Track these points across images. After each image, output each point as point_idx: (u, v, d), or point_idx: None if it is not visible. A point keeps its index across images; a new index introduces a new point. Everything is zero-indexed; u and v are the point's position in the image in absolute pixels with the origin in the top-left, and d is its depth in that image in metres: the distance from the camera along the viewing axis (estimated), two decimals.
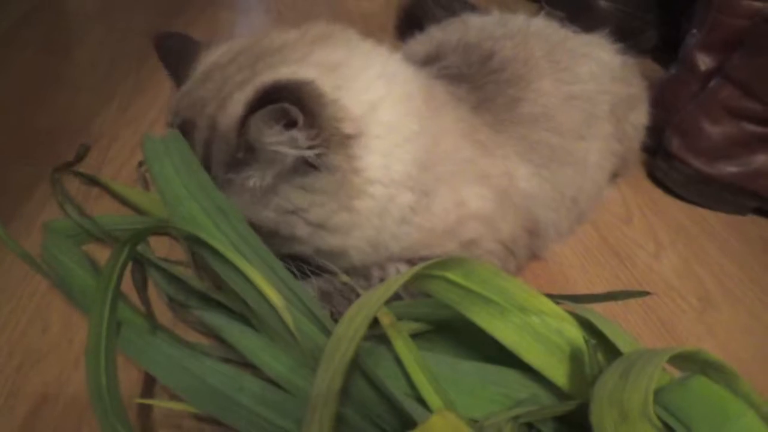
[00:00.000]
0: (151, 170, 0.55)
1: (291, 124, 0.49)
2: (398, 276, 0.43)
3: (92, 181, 0.80)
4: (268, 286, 0.48)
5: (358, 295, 0.58)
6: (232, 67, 0.55)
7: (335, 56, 0.56)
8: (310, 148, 0.50)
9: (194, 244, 0.51)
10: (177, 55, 0.61)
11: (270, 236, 0.54)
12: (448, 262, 0.44)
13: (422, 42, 0.89)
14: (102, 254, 0.67)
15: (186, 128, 0.54)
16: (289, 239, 0.55)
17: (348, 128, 0.53)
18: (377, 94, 0.56)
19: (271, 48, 0.57)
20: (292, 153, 0.51)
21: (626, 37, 0.93)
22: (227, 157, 0.52)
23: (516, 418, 0.42)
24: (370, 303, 0.40)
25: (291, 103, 0.47)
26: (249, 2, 1.62)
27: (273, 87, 0.49)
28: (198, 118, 0.54)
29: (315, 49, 0.56)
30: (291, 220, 0.54)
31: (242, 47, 0.59)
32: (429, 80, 0.66)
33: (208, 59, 0.59)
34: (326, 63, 0.55)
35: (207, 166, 0.53)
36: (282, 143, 0.50)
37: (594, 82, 0.78)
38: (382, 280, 0.61)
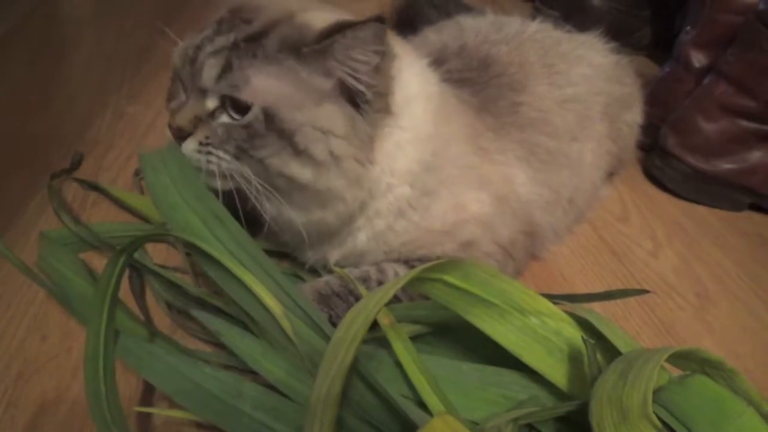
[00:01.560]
0: (147, 181, 0.55)
1: (375, 53, 0.52)
2: (397, 279, 0.43)
3: (90, 187, 0.80)
4: (266, 292, 0.48)
5: (356, 298, 0.58)
6: None
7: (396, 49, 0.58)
8: (370, 87, 0.53)
9: (192, 252, 0.51)
10: None
11: (269, 138, 0.53)
12: (445, 265, 0.44)
13: (419, 44, 0.89)
14: (99, 262, 0.66)
15: (242, 7, 0.56)
16: (286, 149, 0.53)
17: (393, 104, 0.57)
18: (414, 90, 0.60)
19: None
20: (362, 78, 0.53)
21: (620, 35, 0.93)
22: (294, 43, 0.52)
23: (516, 419, 0.42)
24: (368, 307, 0.40)
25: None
26: None
27: (379, 17, 0.50)
28: (271, 6, 0.56)
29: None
30: (315, 135, 0.53)
31: None
32: (441, 84, 0.67)
33: None
34: None
35: (264, 34, 0.53)
36: (360, 63, 0.52)
37: (586, 84, 0.79)
38: (380, 282, 0.61)
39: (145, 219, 0.75)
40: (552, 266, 0.78)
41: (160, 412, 0.51)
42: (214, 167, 0.55)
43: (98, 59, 1.21)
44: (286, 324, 0.47)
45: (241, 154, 0.54)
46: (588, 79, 0.79)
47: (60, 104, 1.02)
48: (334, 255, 0.64)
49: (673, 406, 0.38)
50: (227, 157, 0.54)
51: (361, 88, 0.53)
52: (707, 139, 0.93)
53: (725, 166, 0.94)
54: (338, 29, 0.51)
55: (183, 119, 0.55)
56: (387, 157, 0.58)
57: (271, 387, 0.49)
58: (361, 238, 0.62)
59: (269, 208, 0.57)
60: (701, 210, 0.95)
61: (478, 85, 0.72)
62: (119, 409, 0.45)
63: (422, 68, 0.64)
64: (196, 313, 0.55)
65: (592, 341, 0.43)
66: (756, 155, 0.93)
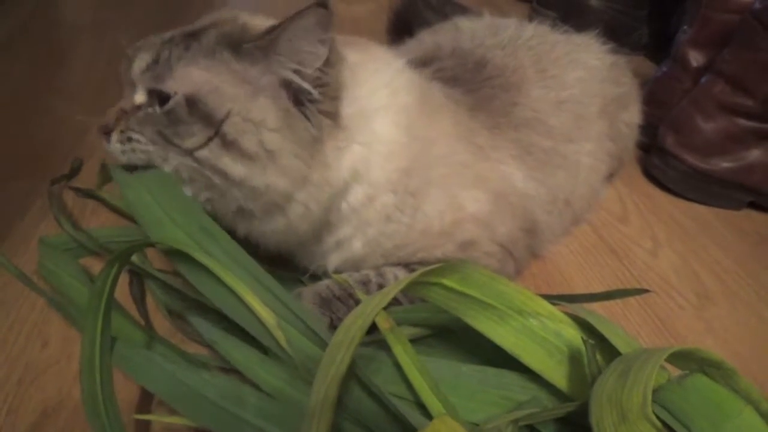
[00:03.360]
0: (127, 200, 0.54)
1: (321, 42, 0.52)
2: (395, 283, 0.43)
3: (87, 195, 0.80)
4: (260, 304, 0.48)
5: (357, 302, 0.58)
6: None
7: (354, 57, 0.58)
8: (316, 85, 0.53)
9: (182, 270, 0.51)
10: None
11: (193, 125, 0.52)
12: (444, 269, 0.44)
13: (415, 46, 0.90)
14: (99, 268, 0.66)
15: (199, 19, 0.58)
16: (214, 141, 0.52)
17: (343, 116, 0.56)
18: (378, 103, 0.58)
19: None
20: (307, 72, 0.52)
21: (618, 35, 0.93)
22: (234, 40, 0.53)
23: (516, 420, 0.42)
24: (366, 311, 0.40)
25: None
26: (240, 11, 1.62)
27: (323, 3, 0.49)
28: (226, 14, 0.58)
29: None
30: (245, 128, 0.52)
31: None
32: (426, 83, 0.67)
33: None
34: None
35: (202, 31, 0.54)
36: (304, 55, 0.52)
37: (582, 86, 0.79)
38: (380, 286, 0.61)
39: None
40: (551, 266, 0.78)
41: (159, 419, 0.51)
42: (137, 156, 0.55)
43: (98, 64, 1.21)
44: (279, 335, 0.47)
45: (161, 140, 0.54)
46: (583, 82, 0.80)
47: (60, 110, 1.02)
48: (333, 261, 0.64)
49: (673, 406, 0.38)
50: (144, 139, 0.54)
51: (305, 85, 0.53)
52: (706, 138, 0.93)
53: (724, 164, 0.94)
54: (280, 23, 0.51)
55: (110, 115, 0.55)
56: (351, 170, 0.56)
57: (271, 393, 0.49)
58: (356, 245, 0.62)
59: (240, 224, 0.57)
60: (700, 209, 0.95)
61: (472, 85, 0.72)
62: (117, 417, 0.45)
63: (393, 75, 0.61)
64: (194, 320, 0.54)
65: (592, 342, 0.43)
66: (754, 154, 0.93)
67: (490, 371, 0.48)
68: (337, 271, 0.63)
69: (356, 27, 1.48)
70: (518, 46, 0.79)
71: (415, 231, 0.62)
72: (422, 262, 0.63)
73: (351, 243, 0.62)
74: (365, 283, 0.62)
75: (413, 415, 0.42)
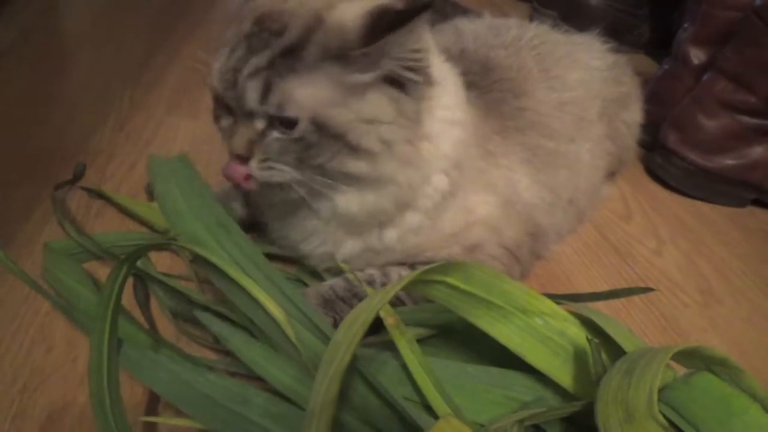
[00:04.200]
0: (155, 189, 0.56)
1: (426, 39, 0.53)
2: (399, 281, 0.43)
3: (95, 194, 0.80)
4: (270, 299, 0.48)
5: (360, 301, 0.58)
6: None
7: None
8: (418, 70, 0.54)
9: (197, 260, 0.51)
10: None
11: (324, 144, 0.53)
12: (447, 267, 0.44)
13: None
14: (104, 272, 0.67)
15: (267, 17, 0.54)
16: (341, 151, 0.54)
17: (432, 74, 0.57)
18: (445, 73, 0.61)
19: None
20: (412, 65, 0.53)
21: (619, 34, 0.93)
22: (337, 49, 0.51)
23: (522, 420, 0.41)
24: (368, 308, 0.40)
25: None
26: None
27: (427, 3, 0.50)
28: (297, 10, 0.54)
29: None
30: (365, 129, 0.54)
31: None
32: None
33: None
34: None
35: (300, 45, 0.52)
36: (412, 53, 0.52)
37: (583, 87, 0.80)
38: (384, 285, 0.61)
39: (149, 227, 0.75)
40: (555, 266, 0.78)
41: (165, 420, 0.51)
42: (278, 179, 0.56)
43: (98, 71, 1.21)
44: (289, 330, 0.47)
45: (300, 164, 0.55)
46: (585, 83, 0.80)
47: (61, 116, 1.02)
48: (348, 249, 0.63)
49: (679, 405, 0.38)
50: (288, 168, 0.55)
51: (409, 75, 0.54)
52: (708, 135, 0.93)
53: (727, 162, 0.94)
54: (388, 26, 0.50)
55: (238, 146, 0.55)
56: (435, 136, 0.59)
57: (276, 393, 0.49)
58: (390, 234, 0.62)
59: (324, 206, 0.59)
60: (704, 207, 0.95)
61: (481, 88, 0.72)
62: (124, 419, 0.45)
63: (449, 68, 0.64)
64: (202, 316, 0.55)
65: (597, 340, 0.43)
66: (757, 151, 0.93)
67: (495, 371, 0.48)
68: (345, 262, 0.63)
69: None
70: (521, 47, 0.80)
71: (435, 230, 0.63)
72: (427, 263, 0.63)
73: (384, 232, 0.62)
74: (370, 283, 0.62)
75: (419, 415, 0.42)
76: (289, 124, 0.53)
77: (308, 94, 0.52)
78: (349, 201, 0.58)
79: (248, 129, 0.54)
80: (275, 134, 0.54)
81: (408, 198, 0.60)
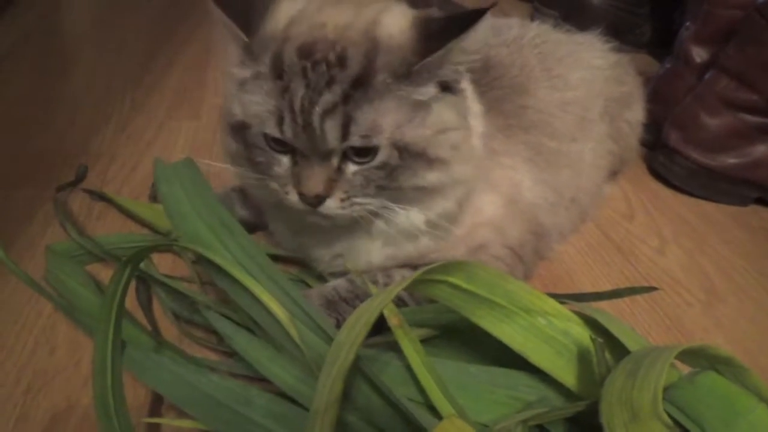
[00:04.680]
0: (160, 191, 0.56)
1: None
2: (401, 280, 0.43)
3: (98, 196, 0.80)
4: (273, 300, 0.48)
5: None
6: (344, 5, 0.55)
7: None
8: (462, 69, 0.53)
9: (200, 261, 0.51)
10: (240, 3, 0.55)
11: (405, 165, 0.52)
12: (450, 267, 0.44)
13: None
14: (106, 274, 0.67)
15: (313, 47, 0.51)
16: (421, 167, 0.53)
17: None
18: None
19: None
20: (461, 67, 0.53)
21: (620, 33, 0.93)
22: (401, 68, 0.50)
23: (526, 420, 0.41)
24: (371, 309, 0.40)
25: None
26: None
27: (474, 11, 0.49)
28: (344, 34, 0.52)
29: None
30: (440, 140, 0.53)
31: None
32: None
33: (296, 5, 0.56)
34: None
35: (367, 73, 0.50)
36: (469, 55, 0.52)
37: (585, 87, 0.79)
38: (387, 285, 0.61)
39: (151, 228, 0.75)
40: (558, 266, 0.78)
41: (168, 422, 0.51)
42: (359, 212, 0.54)
43: (100, 73, 1.22)
44: (292, 330, 0.47)
45: (381, 191, 0.54)
46: (587, 82, 0.80)
47: (63, 118, 1.02)
48: (375, 257, 0.62)
49: (684, 404, 0.38)
50: (369, 200, 0.54)
51: (458, 77, 0.54)
52: (710, 134, 0.93)
53: (729, 160, 0.93)
54: (442, 34, 0.49)
55: (316, 187, 0.52)
56: (473, 128, 0.58)
57: (279, 394, 0.49)
58: (425, 241, 0.61)
59: (380, 223, 0.58)
60: (707, 206, 0.95)
61: (482, 86, 0.72)
62: (128, 420, 0.45)
63: None
64: (207, 314, 0.55)
65: (600, 340, 0.43)
66: (760, 149, 0.92)
67: (498, 371, 0.48)
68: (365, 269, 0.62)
69: None
70: (523, 45, 0.80)
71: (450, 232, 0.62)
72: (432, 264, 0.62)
73: (425, 238, 0.61)
74: (373, 283, 0.62)
75: (423, 416, 0.42)
76: (366, 153, 0.52)
77: (388, 119, 0.51)
78: (416, 214, 0.57)
79: (325, 168, 0.52)
80: (353, 167, 0.52)
81: (467, 195, 0.60)
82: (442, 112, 0.53)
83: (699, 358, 0.41)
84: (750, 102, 0.90)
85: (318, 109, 0.50)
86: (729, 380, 0.39)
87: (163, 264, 0.69)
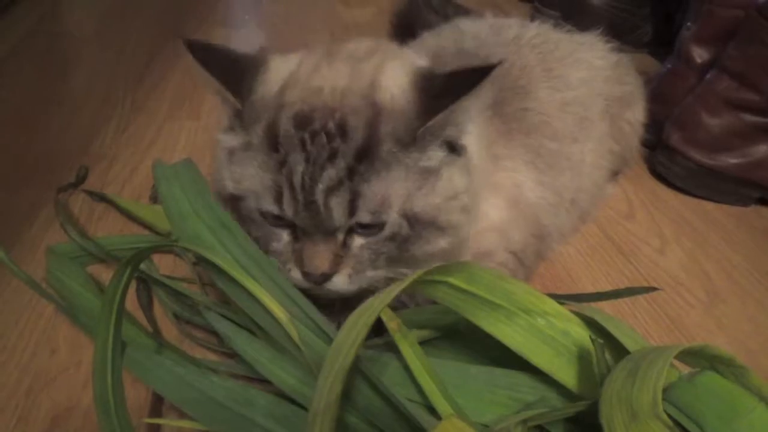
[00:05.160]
0: (159, 192, 0.56)
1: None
2: (400, 281, 0.42)
3: (98, 198, 0.80)
4: (273, 301, 0.48)
5: None
6: (339, 62, 0.52)
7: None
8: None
9: (200, 261, 0.52)
10: (223, 62, 0.51)
11: (415, 235, 0.50)
12: (449, 267, 0.44)
13: (417, 48, 0.90)
14: (107, 275, 0.67)
15: (310, 116, 0.48)
16: (435, 234, 0.51)
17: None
18: None
19: (363, 50, 0.55)
20: (464, 130, 0.50)
21: (621, 33, 0.93)
22: (406, 134, 0.48)
23: (525, 421, 0.41)
24: (370, 309, 0.40)
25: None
26: (243, 18, 1.63)
27: (480, 67, 0.47)
28: (343, 101, 0.48)
29: (401, 52, 0.58)
30: (451, 206, 0.51)
31: (325, 51, 0.55)
32: None
33: (291, 60, 0.54)
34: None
35: (370, 143, 0.47)
36: (466, 117, 0.50)
37: (586, 87, 0.79)
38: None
39: (152, 229, 0.75)
40: (558, 266, 0.78)
41: (169, 422, 0.51)
42: (370, 285, 0.52)
43: (101, 74, 1.22)
44: (292, 331, 0.47)
45: (391, 262, 0.51)
46: (587, 82, 0.80)
47: (64, 119, 1.03)
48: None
49: (684, 404, 0.38)
50: (379, 272, 0.52)
51: (460, 134, 0.51)
52: (711, 134, 0.93)
53: (731, 161, 0.93)
54: (453, 94, 0.47)
55: (323, 265, 0.49)
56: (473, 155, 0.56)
57: (280, 395, 0.49)
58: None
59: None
60: (708, 206, 0.95)
61: None
62: (128, 421, 0.45)
63: None
64: (207, 315, 0.55)
65: (600, 340, 0.43)
66: (762, 149, 0.92)
67: (498, 372, 0.48)
68: None
69: (359, 30, 1.49)
70: (522, 45, 0.79)
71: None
72: None
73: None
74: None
75: (422, 416, 0.42)
76: (373, 225, 0.49)
77: (395, 191, 0.48)
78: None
79: (330, 244, 0.49)
80: (360, 240, 0.50)
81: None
82: (452, 176, 0.51)
83: (699, 358, 0.41)
84: (751, 102, 0.90)
85: (321, 186, 0.46)
86: (729, 380, 0.39)
87: (164, 265, 0.69)
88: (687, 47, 1.03)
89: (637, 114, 0.88)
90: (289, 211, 0.48)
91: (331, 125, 0.47)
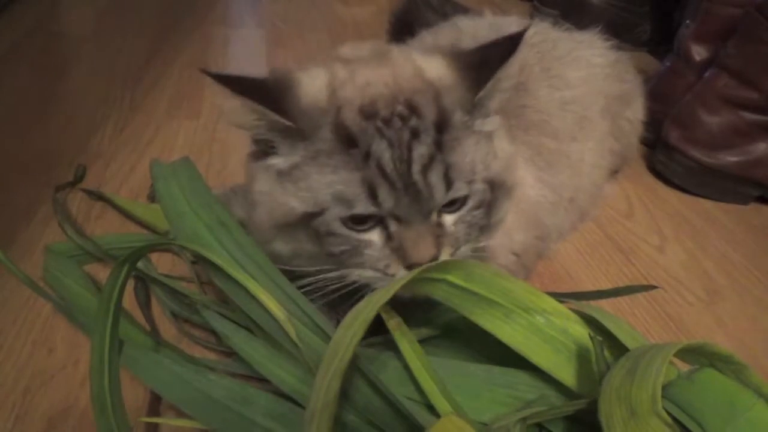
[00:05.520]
0: (157, 190, 0.56)
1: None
2: (399, 279, 0.42)
3: (96, 196, 0.80)
4: (270, 298, 0.48)
5: None
6: (364, 63, 0.52)
7: None
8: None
9: (198, 260, 0.51)
10: (256, 88, 0.48)
11: (495, 200, 0.52)
12: (448, 265, 0.44)
13: (415, 47, 0.89)
14: (104, 274, 0.67)
15: (374, 107, 0.47)
16: (505, 196, 0.54)
17: None
18: None
19: (366, 51, 0.55)
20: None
21: (620, 32, 0.93)
22: (467, 104, 0.49)
23: (525, 419, 0.41)
24: (368, 307, 0.40)
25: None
26: (241, 17, 1.63)
27: (512, 35, 0.49)
28: (398, 86, 0.48)
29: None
30: (510, 166, 0.54)
31: (338, 56, 0.55)
32: None
33: (318, 74, 0.51)
34: None
35: (444, 115, 0.47)
36: (507, 84, 0.51)
37: (585, 85, 0.79)
38: None
39: (149, 228, 0.75)
40: (557, 264, 0.78)
41: (167, 421, 0.51)
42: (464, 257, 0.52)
43: (99, 73, 1.22)
44: (290, 329, 0.47)
45: (481, 231, 0.52)
46: (586, 81, 0.80)
47: (62, 118, 1.02)
48: None
49: (683, 401, 0.37)
50: (474, 244, 0.52)
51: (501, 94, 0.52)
52: (710, 132, 0.93)
53: (730, 159, 0.93)
54: (495, 62, 0.48)
55: (431, 250, 0.47)
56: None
57: (278, 394, 0.49)
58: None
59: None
60: (707, 204, 0.95)
61: None
62: (126, 420, 0.45)
63: None
64: (205, 313, 0.55)
65: (600, 338, 0.43)
66: (761, 147, 0.92)
67: (497, 370, 0.48)
68: None
69: (357, 29, 1.49)
70: (521, 43, 0.79)
71: None
72: None
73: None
74: None
75: (421, 414, 0.42)
76: (456, 201, 0.49)
77: (476, 157, 0.49)
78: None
79: (430, 227, 0.48)
80: (450, 217, 0.49)
81: None
82: (502, 140, 0.53)
83: (698, 355, 0.41)
84: (750, 100, 0.90)
85: (416, 166, 0.46)
86: (728, 377, 0.39)
87: (162, 264, 0.69)
88: (686, 45, 1.03)
89: (636, 112, 0.88)
90: (388, 202, 0.46)
91: (400, 108, 0.47)
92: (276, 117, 0.46)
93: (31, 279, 0.61)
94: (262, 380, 0.51)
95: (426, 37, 0.91)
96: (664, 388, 0.38)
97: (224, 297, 0.55)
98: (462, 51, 0.51)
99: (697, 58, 1.02)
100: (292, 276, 0.52)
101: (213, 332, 0.58)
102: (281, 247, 0.51)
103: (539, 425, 0.43)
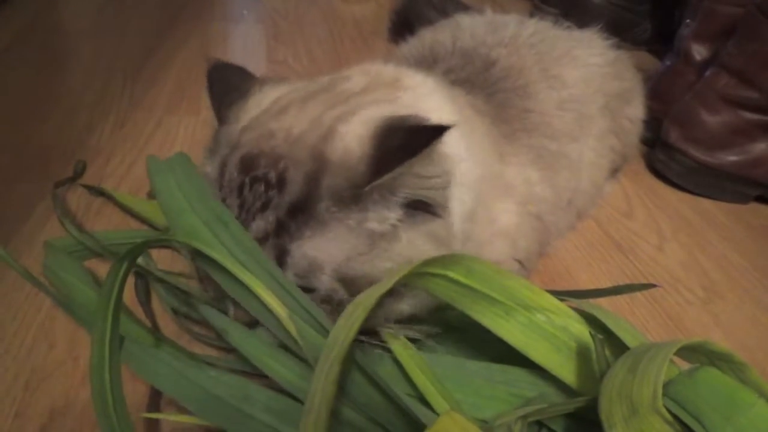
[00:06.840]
0: (153, 185, 0.56)
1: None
2: (396, 272, 0.42)
3: (96, 192, 0.80)
4: (270, 295, 0.48)
5: None
6: (313, 103, 0.50)
7: (424, 104, 0.53)
8: (437, 188, 0.47)
9: (196, 256, 0.51)
10: (226, 86, 0.52)
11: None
12: (447, 260, 0.44)
13: (415, 44, 0.89)
14: (104, 270, 0.66)
15: (256, 161, 0.46)
16: (389, 300, 0.47)
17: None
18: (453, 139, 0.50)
19: (353, 90, 0.52)
20: (430, 194, 0.46)
21: (620, 30, 0.93)
22: (348, 191, 0.44)
23: (525, 416, 0.41)
24: (366, 300, 0.40)
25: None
26: (241, 13, 1.62)
27: (430, 127, 0.43)
28: (291, 149, 0.46)
29: (398, 93, 0.53)
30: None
31: (315, 87, 0.53)
32: (451, 91, 0.65)
33: (271, 95, 0.52)
34: (417, 108, 0.50)
35: (307, 199, 0.45)
36: (427, 184, 0.45)
37: (584, 84, 0.79)
38: None
39: (149, 224, 0.75)
40: (557, 262, 0.78)
41: (167, 417, 0.51)
42: None
43: (98, 69, 1.21)
44: (290, 326, 0.47)
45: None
46: (585, 80, 0.79)
47: (61, 113, 1.02)
48: None
49: (683, 399, 0.38)
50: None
51: (434, 194, 0.46)
52: (710, 131, 0.93)
53: (729, 158, 0.93)
54: (399, 157, 0.42)
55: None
56: (459, 206, 0.52)
57: (278, 390, 0.49)
58: None
59: None
60: (706, 203, 0.95)
61: (486, 89, 0.72)
62: (126, 416, 0.45)
63: (449, 104, 0.57)
64: (204, 309, 0.55)
65: (600, 336, 0.43)
66: (760, 147, 0.92)
67: (497, 367, 0.48)
68: None
69: (358, 28, 1.48)
70: (520, 45, 0.79)
71: (465, 248, 0.57)
72: None
73: None
74: None
75: (422, 410, 0.42)
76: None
77: (329, 253, 0.44)
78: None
79: None
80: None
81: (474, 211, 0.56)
82: (415, 240, 0.46)
83: (698, 354, 0.41)
84: (750, 99, 0.90)
85: (252, 235, 0.46)
86: (728, 376, 0.39)
87: (162, 260, 0.69)
88: (686, 44, 1.03)
89: (636, 110, 0.88)
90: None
91: (272, 174, 0.45)
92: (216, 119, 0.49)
93: (31, 274, 0.61)
94: (262, 376, 0.51)
95: (425, 34, 0.91)
96: (665, 386, 0.38)
97: (224, 294, 0.55)
98: (397, 128, 0.45)
99: (698, 57, 1.02)
100: None
101: (213, 328, 0.58)
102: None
103: (540, 423, 0.43)
